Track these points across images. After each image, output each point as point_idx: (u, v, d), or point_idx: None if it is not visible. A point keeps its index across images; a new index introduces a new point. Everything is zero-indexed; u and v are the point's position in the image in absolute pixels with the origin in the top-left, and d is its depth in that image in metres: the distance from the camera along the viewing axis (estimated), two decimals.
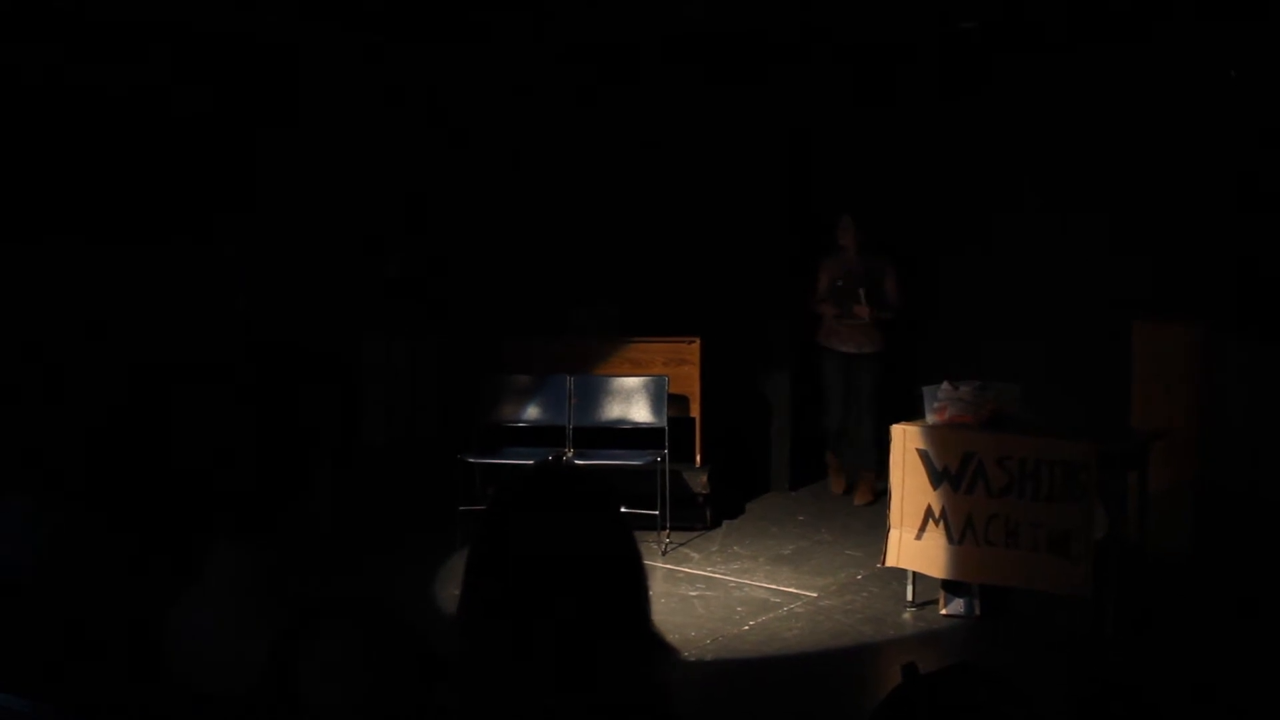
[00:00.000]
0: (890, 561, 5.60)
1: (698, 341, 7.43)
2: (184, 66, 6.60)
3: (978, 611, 5.41)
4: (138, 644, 2.03)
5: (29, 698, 2.46)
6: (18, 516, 2.61)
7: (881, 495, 6.57)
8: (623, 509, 1.81)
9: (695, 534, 6.99)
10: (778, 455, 8.14)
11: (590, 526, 1.72)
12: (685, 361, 7.41)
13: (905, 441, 5.51)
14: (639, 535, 5.81)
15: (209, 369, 2.43)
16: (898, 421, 5.61)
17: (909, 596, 5.61)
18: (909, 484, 5.50)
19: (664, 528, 6.74)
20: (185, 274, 6.55)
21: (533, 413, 7.18)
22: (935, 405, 5.53)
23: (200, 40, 6.55)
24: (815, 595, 5.86)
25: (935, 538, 5.41)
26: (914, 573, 5.56)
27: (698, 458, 7.30)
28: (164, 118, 6.59)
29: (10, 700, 2.54)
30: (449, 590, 5.73)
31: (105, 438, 2.32)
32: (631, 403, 7.11)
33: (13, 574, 2.54)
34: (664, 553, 6.59)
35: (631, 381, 7.17)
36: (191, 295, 6.57)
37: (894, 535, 5.55)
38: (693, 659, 4.95)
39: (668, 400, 7.05)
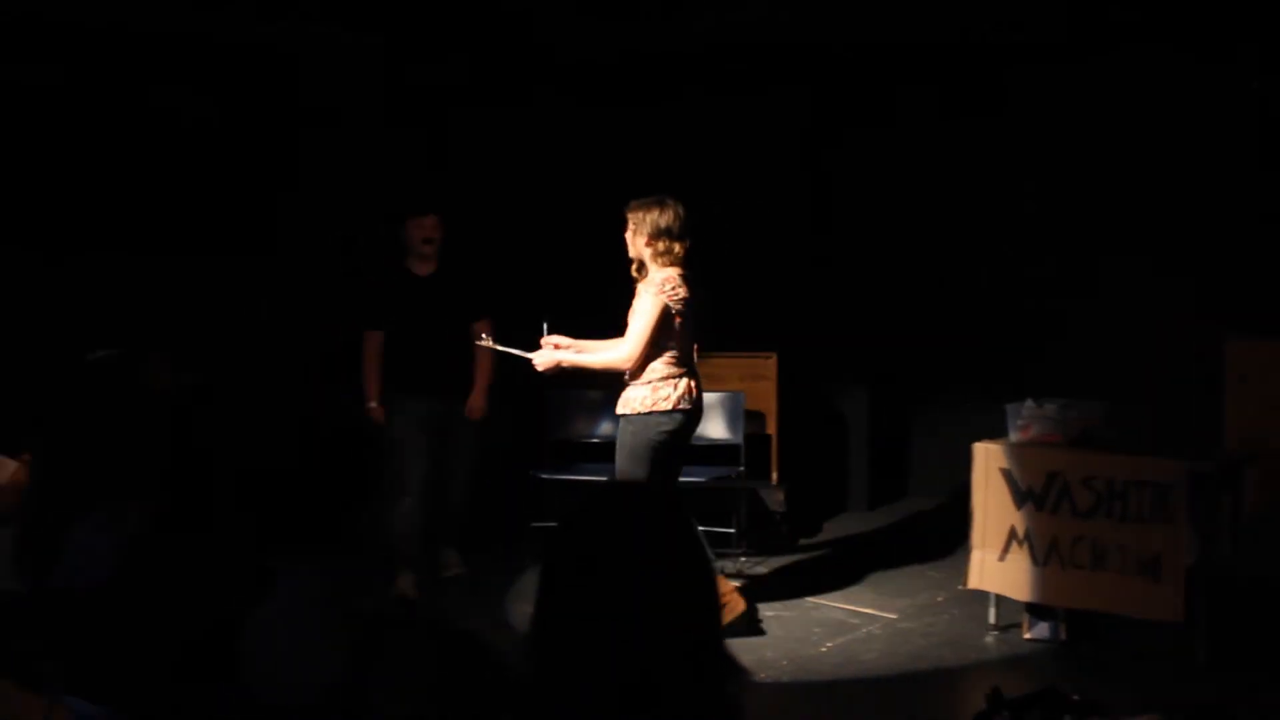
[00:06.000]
0: (972, 583, 5.48)
1: (774, 357, 7.36)
2: (204, 75, 6.72)
3: (1063, 636, 5.27)
4: (212, 654, 2.03)
5: (106, 706, 2.48)
6: (92, 527, 2.65)
7: None
8: (697, 527, 1.78)
9: (772, 553, 6.91)
10: (856, 473, 8.04)
11: (663, 545, 1.70)
12: (762, 377, 7.34)
13: (988, 460, 5.40)
14: (714, 554, 5.74)
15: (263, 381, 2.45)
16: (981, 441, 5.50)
17: (991, 619, 5.49)
18: (992, 504, 5.38)
19: (740, 546, 6.67)
20: (211, 282, 6.67)
21: (606, 429, 7.15)
22: (1019, 423, 5.42)
23: (220, 49, 6.65)
24: (894, 617, 5.75)
25: (1019, 559, 5.29)
26: (997, 595, 5.44)
27: (774, 475, 7.23)
28: (186, 126, 6.72)
29: (88, 708, 2.56)
30: (519, 607, 5.72)
31: (174, 449, 2.34)
32: (707, 419, 7.01)
33: (89, 583, 2.58)
34: (740, 572, 6.52)
35: (707, 397, 7.09)
36: (219, 304, 6.69)
37: (976, 556, 5.44)
38: (769, 680, 4.88)
39: (744, 416, 6.99)
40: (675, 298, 5.14)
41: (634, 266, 5.32)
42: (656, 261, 5.20)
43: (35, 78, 6.14)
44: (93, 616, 2.46)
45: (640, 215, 5.20)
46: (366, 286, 6.28)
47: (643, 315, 5.12)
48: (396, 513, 5.94)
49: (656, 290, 5.12)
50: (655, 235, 5.18)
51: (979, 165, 7.61)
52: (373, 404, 6.06)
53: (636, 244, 5.24)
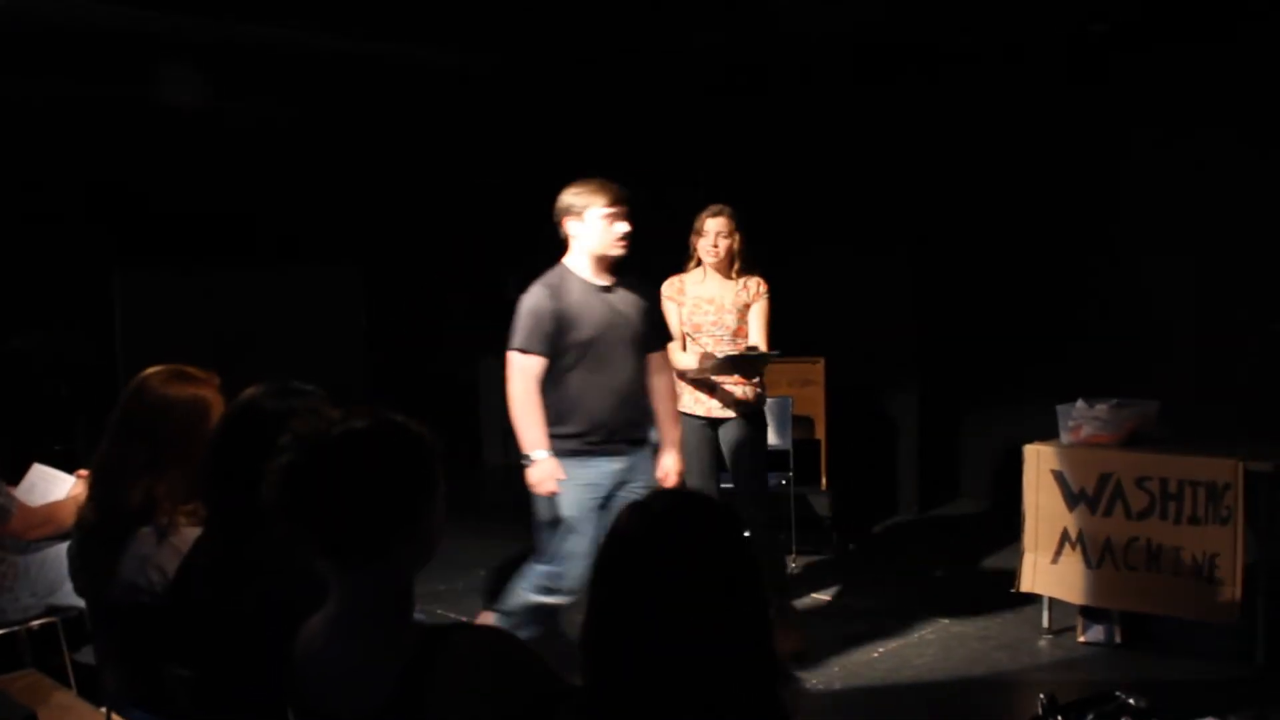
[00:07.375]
0: (1025, 586, 5.44)
1: (822, 361, 7.34)
2: (315, 92, 6.82)
3: (1118, 638, 5.22)
4: (266, 664, 2.06)
5: (162, 716, 2.52)
6: (147, 541, 2.69)
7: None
8: (745, 533, 1.79)
9: (822, 558, 6.89)
10: (905, 477, 8.00)
11: (712, 551, 1.70)
12: (810, 382, 7.33)
13: (1039, 462, 5.36)
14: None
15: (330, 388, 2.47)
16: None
17: (1045, 623, 5.45)
18: (1043, 506, 5.34)
19: (790, 552, 6.65)
20: (311, 293, 6.75)
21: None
22: (1070, 424, 5.37)
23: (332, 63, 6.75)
24: (947, 621, 5.72)
25: (1072, 562, 5.25)
26: (1050, 598, 5.40)
27: (824, 480, 7.21)
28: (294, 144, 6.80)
29: (145, 718, 2.61)
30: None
31: (225, 459, 2.37)
32: None
33: (144, 597, 2.62)
34: (790, 577, 6.49)
35: None
36: (317, 313, 6.77)
37: (1028, 559, 5.40)
38: (821, 687, 4.87)
39: (793, 422, 6.97)
40: None
41: (707, 265, 5.33)
42: (744, 262, 5.35)
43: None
44: (150, 628, 2.50)
45: (733, 216, 5.30)
46: (530, 298, 4.33)
47: (766, 315, 5.35)
48: (565, 620, 4.31)
49: (766, 291, 5.34)
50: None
51: (1024, 163, 7.55)
52: (545, 455, 4.17)
53: (733, 246, 5.31)
